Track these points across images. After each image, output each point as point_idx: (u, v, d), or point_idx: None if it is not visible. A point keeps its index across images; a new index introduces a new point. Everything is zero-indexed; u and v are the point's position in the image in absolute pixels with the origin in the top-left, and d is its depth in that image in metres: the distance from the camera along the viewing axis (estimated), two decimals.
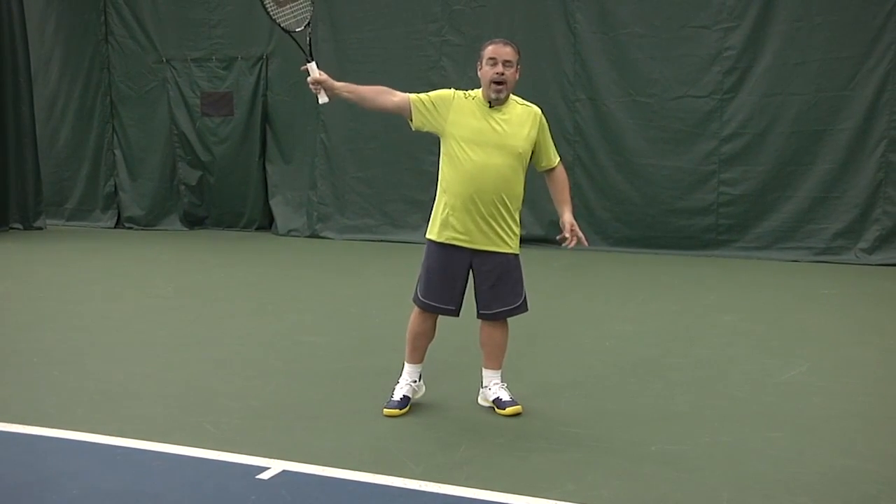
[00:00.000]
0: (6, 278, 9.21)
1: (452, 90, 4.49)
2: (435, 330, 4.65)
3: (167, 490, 3.73)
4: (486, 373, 4.74)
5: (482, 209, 4.35)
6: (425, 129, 4.50)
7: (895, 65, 9.11)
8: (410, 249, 10.95)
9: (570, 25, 10.47)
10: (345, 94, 4.50)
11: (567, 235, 4.54)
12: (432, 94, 4.48)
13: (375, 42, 11.54)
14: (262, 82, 12.49)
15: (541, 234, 10.67)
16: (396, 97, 4.46)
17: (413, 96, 4.45)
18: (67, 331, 6.67)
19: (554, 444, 4.20)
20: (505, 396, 4.64)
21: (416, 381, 4.68)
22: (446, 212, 4.40)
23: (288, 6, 4.67)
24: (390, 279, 9.13)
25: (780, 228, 9.76)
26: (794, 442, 4.19)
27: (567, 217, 4.57)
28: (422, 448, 4.16)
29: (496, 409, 4.64)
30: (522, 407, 4.60)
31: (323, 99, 4.53)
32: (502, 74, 4.32)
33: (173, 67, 12.97)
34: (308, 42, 4.65)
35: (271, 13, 4.68)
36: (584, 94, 10.52)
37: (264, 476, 3.83)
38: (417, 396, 4.72)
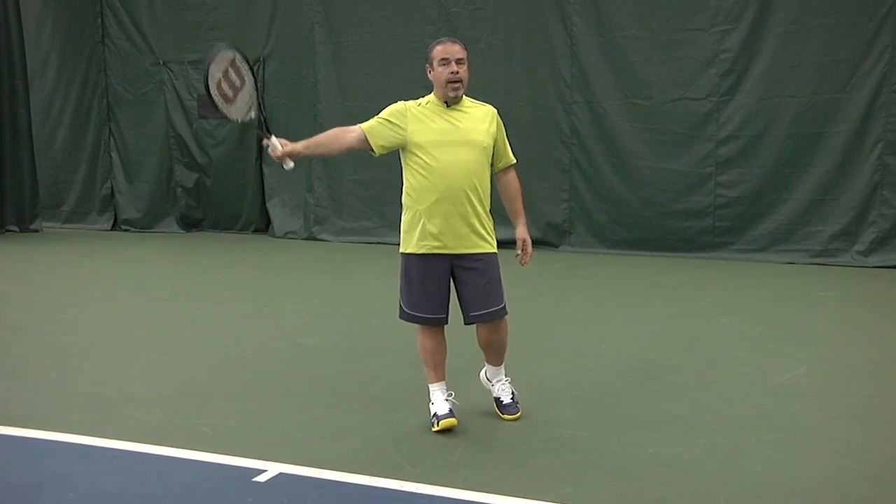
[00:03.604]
0: (2, 281, 9.20)
1: (402, 102, 4.45)
2: (445, 341, 4.54)
3: (163, 493, 3.72)
4: (489, 367, 4.74)
5: (454, 208, 4.29)
6: (389, 150, 4.43)
7: (891, 67, 9.12)
8: None
9: (567, 28, 10.48)
10: (308, 153, 4.47)
11: (519, 252, 4.53)
12: (383, 113, 4.43)
13: (373, 44, 11.54)
14: (258, 84, 12.45)
15: (538, 236, 10.68)
16: (353, 132, 4.39)
17: (364, 125, 4.39)
18: (63, 333, 6.66)
19: (551, 446, 4.20)
20: (506, 398, 4.64)
21: (451, 395, 4.51)
22: (421, 221, 4.33)
23: (238, 98, 4.61)
24: (387, 281, 9.08)
25: (777, 230, 9.77)
26: (791, 444, 4.19)
27: (521, 231, 4.57)
28: (419, 451, 4.15)
29: (496, 408, 4.67)
30: (521, 414, 4.60)
31: (288, 165, 4.46)
32: (457, 73, 4.31)
33: (170, 70, 12.96)
34: (263, 119, 4.64)
35: (225, 113, 4.61)
36: (580, 97, 10.52)
37: (261, 479, 3.82)
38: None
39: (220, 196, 13.01)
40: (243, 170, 12.72)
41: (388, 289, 8.61)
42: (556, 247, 10.74)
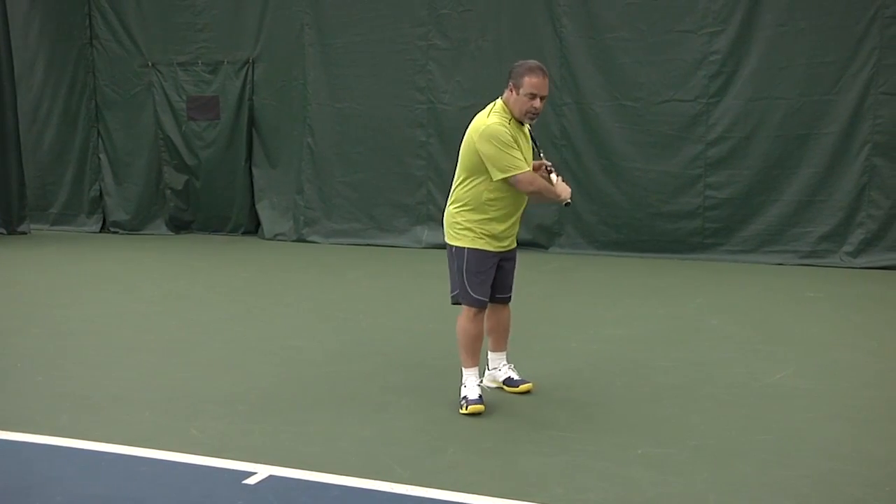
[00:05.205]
0: None
1: (499, 127, 4.57)
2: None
3: (153, 496, 3.71)
4: (493, 356, 5.10)
5: (519, 217, 4.82)
6: None
7: (878, 69, 9.17)
8: (397, 253, 10.95)
9: (557, 30, 10.49)
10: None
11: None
12: (504, 144, 4.54)
13: (362, 46, 11.52)
14: (248, 86, 12.44)
15: (528, 237, 10.68)
16: (533, 176, 4.67)
17: (522, 168, 4.59)
18: (52, 336, 6.63)
19: (541, 447, 4.21)
20: (515, 376, 5.07)
21: (481, 381, 4.89)
22: (497, 231, 4.70)
23: None
24: (377, 283, 9.12)
25: (766, 232, 9.80)
26: (781, 444, 4.20)
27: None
28: (409, 452, 4.15)
29: (506, 388, 5.01)
30: (533, 384, 5.00)
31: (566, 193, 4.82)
32: (539, 109, 4.64)
33: (159, 71, 12.91)
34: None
35: None
36: (570, 99, 10.54)
37: (251, 481, 3.82)
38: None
39: (210, 198, 12.96)
40: (232, 172, 12.68)
41: (379, 290, 8.65)
42: (546, 248, 10.75)
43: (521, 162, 4.57)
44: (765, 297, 7.93)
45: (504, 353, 5.11)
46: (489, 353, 5.10)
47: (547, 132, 10.55)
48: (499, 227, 4.71)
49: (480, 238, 4.69)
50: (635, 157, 10.27)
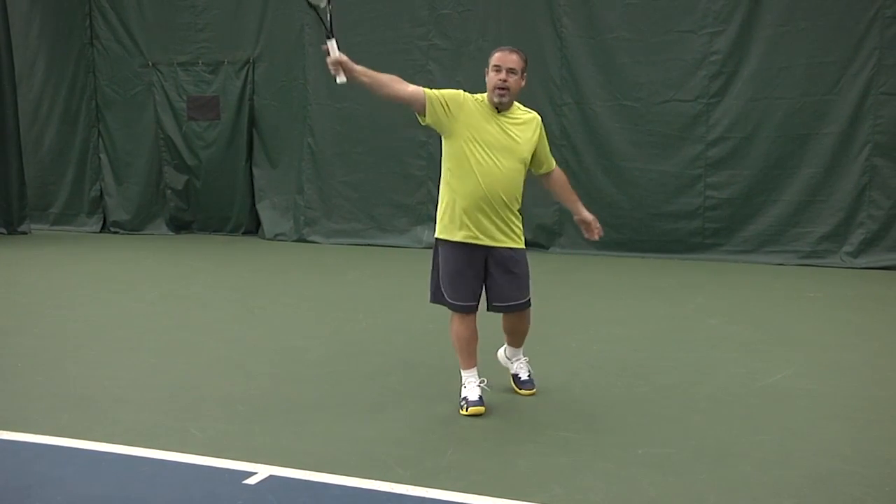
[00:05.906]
0: None
1: (462, 92, 4.58)
2: (477, 329, 4.72)
3: (153, 495, 3.71)
4: (509, 348, 5.08)
5: (491, 208, 4.53)
6: (433, 126, 4.57)
7: (878, 69, 9.17)
8: (397, 253, 10.95)
9: (557, 30, 10.49)
10: (361, 77, 4.50)
11: (595, 229, 4.97)
12: (444, 92, 4.56)
13: (363, 46, 11.47)
14: (248, 86, 12.45)
15: (528, 237, 10.66)
16: (410, 88, 4.49)
17: (427, 90, 4.51)
18: (51, 336, 6.63)
19: (541, 447, 4.20)
20: (524, 375, 5.01)
21: (483, 381, 4.75)
22: (458, 212, 4.54)
23: None
24: (377, 283, 9.12)
25: (767, 232, 9.80)
26: (780, 445, 4.20)
27: (586, 213, 5.00)
28: (409, 452, 4.15)
29: (512, 383, 5.02)
30: (537, 390, 4.98)
31: (341, 79, 4.46)
32: (505, 82, 4.48)
33: (159, 71, 12.92)
34: (329, 18, 4.56)
35: None
36: (570, 98, 10.54)
37: (251, 481, 3.81)
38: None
39: (210, 198, 12.98)
40: (233, 171, 12.69)
41: (379, 290, 8.65)
42: (546, 248, 10.75)
43: (429, 92, 4.45)
44: (765, 297, 7.93)
45: (520, 349, 5.06)
46: (506, 343, 5.08)
47: (547, 132, 10.50)
48: (466, 217, 4.50)
49: (445, 228, 4.58)
50: (635, 157, 10.27)
